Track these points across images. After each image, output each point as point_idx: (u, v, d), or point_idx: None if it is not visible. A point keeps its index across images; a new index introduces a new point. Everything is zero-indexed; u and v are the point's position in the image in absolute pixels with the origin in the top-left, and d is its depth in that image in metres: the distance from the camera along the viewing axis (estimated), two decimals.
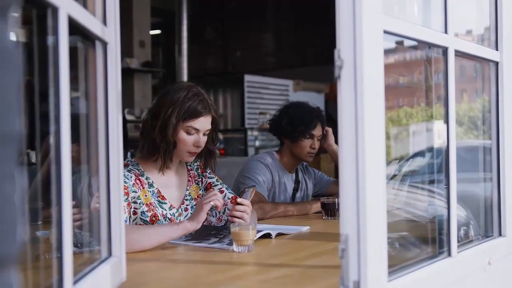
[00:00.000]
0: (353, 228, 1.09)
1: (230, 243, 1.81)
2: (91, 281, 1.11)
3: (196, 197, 2.24)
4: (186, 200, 2.21)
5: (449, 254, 1.42)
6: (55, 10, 0.93)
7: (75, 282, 1.00)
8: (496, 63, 1.70)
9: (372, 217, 1.10)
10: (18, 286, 0.55)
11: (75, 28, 1.04)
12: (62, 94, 0.94)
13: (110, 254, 1.28)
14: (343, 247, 1.10)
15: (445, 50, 1.43)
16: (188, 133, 2.08)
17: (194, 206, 2.19)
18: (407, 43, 1.47)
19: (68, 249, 0.95)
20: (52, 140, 0.94)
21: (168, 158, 2.10)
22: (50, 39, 0.95)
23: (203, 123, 2.09)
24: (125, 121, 4.11)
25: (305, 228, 2.23)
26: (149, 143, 2.08)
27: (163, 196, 2.13)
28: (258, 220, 2.52)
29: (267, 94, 7.40)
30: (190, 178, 2.26)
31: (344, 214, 1.10)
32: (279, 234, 2.07)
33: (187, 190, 2.23)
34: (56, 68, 0.94)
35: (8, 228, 0.48)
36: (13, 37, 0.50)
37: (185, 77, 8.04)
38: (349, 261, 1.09)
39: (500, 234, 1.70)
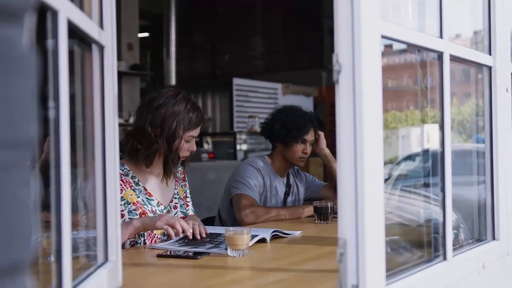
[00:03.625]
0: (352, 233, 1.09)
1: (227, 249, 1.80)
2: (89, 287, 1.10)
3: (182, 197, 2.32)
4: (175, 198, 2.28)
5: (445, 258, 1.42)
6: (54, 13, 0.92)
7: None
8: (489, 68, 1.71)
9: (371, 221, 1.10)
10: None
11: (72, 31, 1.03)
12: (62, 98, 0.93)
13: (106, 259, 1.27)
14: (342, 251, 1.10)
15: (440, 55, 1.43)
16: (188, 141, 2.18)
17: (182, 205, 2.30)
18: (396, 46, 1.47)
19: (67, 255, 0.94)
20: (51, 143, 0.93)
21: (175, 167, 2.20)
22: (49, 43, 0.94)
23: (199, 130, 2.22)
24: None
25: (297, 233, 2.23)
26: (154, 153, 2.13)
27: (150, 193, 2.18)
28: (250, 224, 2.52)
29: (256, 97, 7.39)
30: (177, 179, 2.34)
31: (343, 219, 1.10)
32: (274, 236, 2.06)
33: (176, 189, 2.30)
34: (56, 71, 0.93)
35: (25, 234, 0.48)
36: (27, 42, 0.50)
37: (173, 81, 8.02)
38: (348, 265, 1.09)
39: (493, 238, 1.71)
